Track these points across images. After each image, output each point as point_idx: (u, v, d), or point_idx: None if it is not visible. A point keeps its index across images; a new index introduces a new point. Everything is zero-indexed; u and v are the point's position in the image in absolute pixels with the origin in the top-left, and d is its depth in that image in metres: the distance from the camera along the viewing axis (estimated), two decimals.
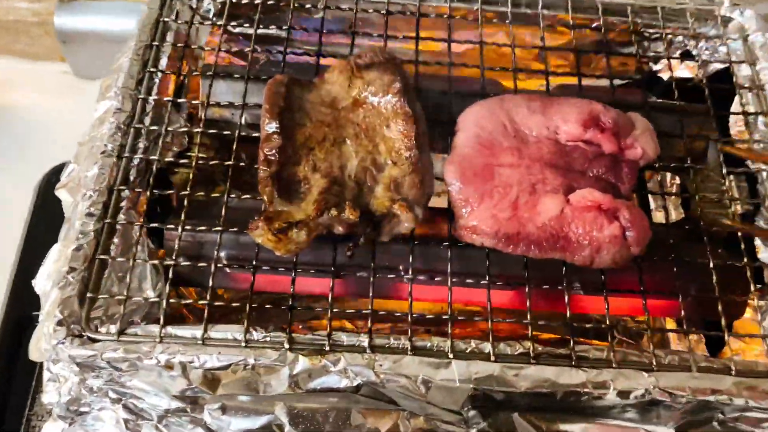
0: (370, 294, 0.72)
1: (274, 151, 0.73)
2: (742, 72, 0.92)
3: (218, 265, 0.73)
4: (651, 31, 0.96)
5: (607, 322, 0.72)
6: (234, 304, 0.71)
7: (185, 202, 0.75)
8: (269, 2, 0.90)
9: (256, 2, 0.90)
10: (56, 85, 1.29)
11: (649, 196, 1.05)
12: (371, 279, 0.73)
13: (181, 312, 0.85)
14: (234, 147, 0.79)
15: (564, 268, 0.74)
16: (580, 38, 0.98)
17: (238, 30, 0.95)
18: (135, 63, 0.83)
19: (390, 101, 0.76)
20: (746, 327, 0.81)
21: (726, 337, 0.73)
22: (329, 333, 0.69)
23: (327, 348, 0.68)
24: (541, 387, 0.67)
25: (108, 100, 0.80)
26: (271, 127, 0.74)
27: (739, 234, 0.79)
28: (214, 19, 0.93)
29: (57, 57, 1.30)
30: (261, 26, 0.90)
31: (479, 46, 0.89)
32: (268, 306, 0.72)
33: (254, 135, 0.77)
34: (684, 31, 0.96)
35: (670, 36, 0.96)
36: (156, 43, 0.86)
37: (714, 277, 0.75)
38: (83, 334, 0.68)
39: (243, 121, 0.83)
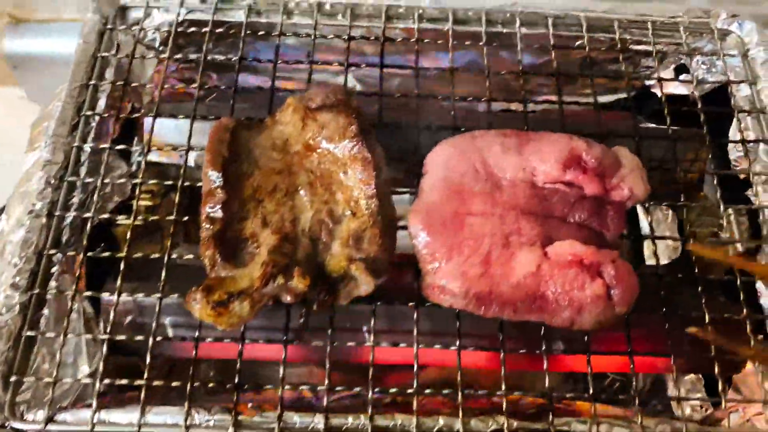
0: (327, 366, 0.65)
1: (217, 208, 0.66)
2: (741, 92, 0.83)
3: (157, 338, 0.65)
4: (641, 48, 0.87)
5: (590, 391, 0.65)
6: (174, 384, 0.64)
7: (121, 265, 0.68)
8: (219, 30, 0.82)
9: (203, 30, 0.81)
10: (11, 110, 1.21)
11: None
12: (328, 348, 0.65)
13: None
14: (177, 198, 0.72)
15: (543, 328, 0.67)
16: (563, 57, 0.90)
17: (192, 57, 0.87)
18: (68, 106, 0.75)
19: (347, 145, 0.68)
20: (747, 381, 0.74)
21: (723, 403, 0.65)
22: (280, 414, 0.62)
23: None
24: None
25: (37, 151, 0.73)
26: (213, 180, 0.67)
27: (738, 281, 0.71)
28: (161, 49, 0.85)
29: (11, 81, 1.21)
30: (212, 55, 0.82)
31: (449, 72, 0.80)
32: (211, 385, 0.65)
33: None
34: (677, 47, 0.87)
35: (661, 52, 0.87)
36: (93, 82, 0.78)
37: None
38: (6, 424, 0.61)
39: (193, 164, 0.76)
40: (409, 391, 0.64)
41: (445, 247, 0.66)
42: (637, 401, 0.65)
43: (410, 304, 0.68)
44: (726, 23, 0.87)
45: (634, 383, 0.66)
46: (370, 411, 0.63)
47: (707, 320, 0.68)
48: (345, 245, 0.66)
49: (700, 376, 0.86)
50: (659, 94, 0.83)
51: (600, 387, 0.97)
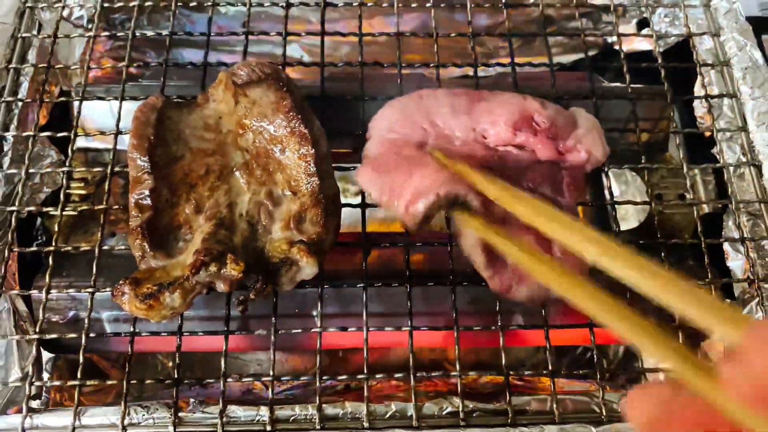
0: (272, 357, 0.61)
1: (145, 195, 0.61)
2: (704, 45, 0.79)
3: (90, 335, 0.62)
4: (599, 3, 0.82)
5: (550, 367, 0.62)
6: (110, 382, 0.61)
7: (50, 259, 0.64)
8: (148, 3, 0.77)
9: (132, 4, 0.76)
10: None
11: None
12: (272, 337, 0.62)
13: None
14: (107, 186, 0.67)
15: (498, 303, 0.64)
16: (520, 17, 0.85)
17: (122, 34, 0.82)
18: None
19: (281, 122, 0.64)
20: (716, 347, 0.71)
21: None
22: (222, 409, 0.59)
23: (219, 429, 0.58)
24: None
25: None
26: (140, 165, 0.62)
27: (702, 244, 0.68)
28: (89, 26, 0.80)
29: None
30: (144, 30, 0.77)
31: (396, 38, 0.76)
32: (149, 381, 0.61)
33: None
34: (638, 0, 0.83)
35: (622, 6, 0.83)
36: (13, 65, 0.73)
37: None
38: None
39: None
40: (360, 376, 0.61)
41: (402, 175, 0.61)
42: (599, 375, 0.62)
43: (359, 285, 0.64)
44: None
45: (595, 356, 0.63)
46: (318, 401, 0.60)
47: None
48: (286, 228, 0.62)
49: None
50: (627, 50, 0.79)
51: (572, 359, 0.94)
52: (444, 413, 0.60)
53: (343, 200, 0.66)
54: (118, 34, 0.77)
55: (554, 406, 0.60)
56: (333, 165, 0.67)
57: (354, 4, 0.78)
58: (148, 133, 0.63)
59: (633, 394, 0.35)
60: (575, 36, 0.78)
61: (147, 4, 0.77)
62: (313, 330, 0.63)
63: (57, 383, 0.61)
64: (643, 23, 0.88)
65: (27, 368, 0.62)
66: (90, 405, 0.61)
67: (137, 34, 0.75)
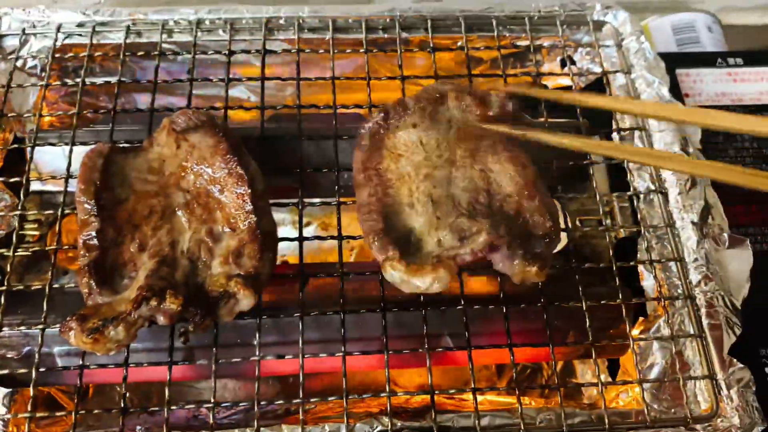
0: (213, 385, 0.66)
1: (91, 235, 0.66)
2: (618, 81, 0.86)
3: (41, 369, 0.65)
4: (522, 43, 0.89)
5: (473, 384, 0.67)
6: (59, 414, 0.65)
7: (2, 298, 0.68)
8: (98, 54, 0.82)
9: (81, 55, 0.81)
10: None
11: None
12: (213, 367, 0.66)
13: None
14: (58, 228, 0.72)
15: (425, 327, 0.68)
16: (451, 59, 0.91)
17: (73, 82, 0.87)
18: None
19: (220, 164, 0.69)
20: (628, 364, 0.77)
21: (599, 388, 0.68)
22: None
23: None
24: None
25: None
26: (86, 208, 0.67)
27: (614, 266, 0.73)
28: (42, 75, 0.84)
29: None
30: (94, 78, 0.82)
31: (331, 81, 0.81)
32: (96, 411, 0.65)
33: None
34: (557, 40, 0.90)
35: (543, 47, 0.90)
36: None
37: (587, 322, 0.70)
38: None
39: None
40: (296, 401, 0.65)
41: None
42: (517, 392, 0.67)
43: (296, 314, 0.69)
44: (601, 14, 0.89)
45: (514, 373, 0.68)
46: (256, 424, 0.64)
47: (584, 308, 0.70)
48: (225, 263, 0.67)
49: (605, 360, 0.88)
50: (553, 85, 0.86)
51: (512, 377, 0.99)
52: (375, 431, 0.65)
53: (285, 233, 0.71)
54: (70, 83, 0.81)
55: (476, 422, 0.65)
56: (274, 201, 0.72)
57: (292, 51, 0.83)
58: (95, 178, 0.68)
59: None
60: (499, 76, 0.84)
61: (97, 54, 0.82)
62: (252, 358, 0.67)
63: (9, 416, 0.65)
64: (565, 62, 0.95)
65: None
66: None
67: (88, 81, 0.80)
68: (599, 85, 0.89)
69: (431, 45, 0.84)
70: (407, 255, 0.64)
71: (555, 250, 0.90)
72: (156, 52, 0.82)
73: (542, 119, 0.82)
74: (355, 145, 0.73)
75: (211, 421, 0.64)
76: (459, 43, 0.87)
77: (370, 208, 0.68)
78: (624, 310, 0.71)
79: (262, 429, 0.64)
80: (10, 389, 0.76)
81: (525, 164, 0.70)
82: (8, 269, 0.70)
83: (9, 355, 0.73)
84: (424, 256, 0.64)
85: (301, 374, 0.66)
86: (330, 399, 0.66)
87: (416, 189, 0.68)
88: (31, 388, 0.64)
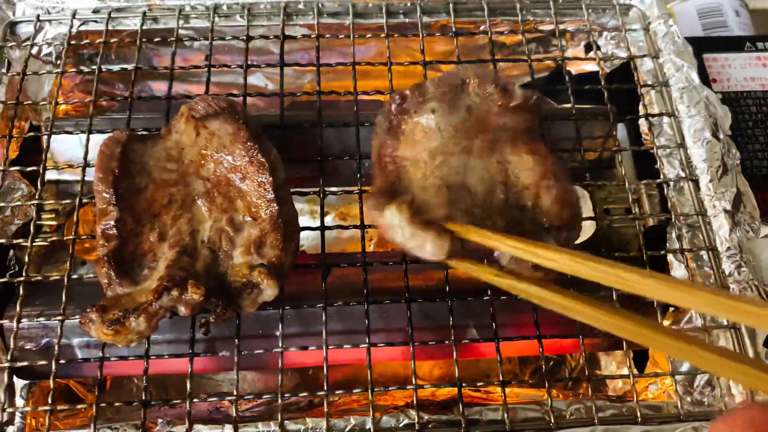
0: (236, 377, 0.64)
1: (110, 225, 0.64)
2: (645, 66, 0.84)
3: (60, 361, 0.64)
4: (546, 28, 0.87)
5: (501, 377, 0.65)
6: (80, 406, 0.63)
7: (20, 289, 0.67)
8: (114, 40, 0.80)
9: (97, 41, 0.79)
10: None
11: None
12: (235, 359, 0.65)
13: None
14: (76, 217, 0.70)
15: (452, 318, 0.67)
16: (470, 43, 0.89)
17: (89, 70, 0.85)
18: None
19: (240, 152, 0.67)
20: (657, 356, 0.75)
21: (631, 380, 0.66)
22: (188, 428, 0.62)
23: None
24: None
25: None
26: (105, 197, 0.65)
27: (645, 255, 0.71)
28: (57, 63, 0.83)
29: None
30: (111, 65, 0.81)
31: (352, 67, 0.79)
32: (118, 404, 0.64)
33: None
34: (582, 24, 0.87)
35: (568, 31, 0.87)
36: None
37: None
38: None
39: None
40: (320, 393, 0.64)
41: None
42: (547, 384, 0.65)
43: (319, 305, 0.68)
44: None
45: (543, 365, 0.67)
46: (280, 417, 0.63)
47: (614, 298, 0.69)
48: (246, 252, 0.65)
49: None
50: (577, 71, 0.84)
51: (534, 369, 0.98)
52: (401, 425, 0.63)
53: (303, 223, 0.69)
54: (86, 70, 0.80)
55: (505, 415, 0.64)
56: (293, 190, 0.71)
57: (312, 36, 0.81)
58: (113, 167, 0.66)
59: (719, 424, 0.33)
60: (524, 61, 0.82)
61: (113, 40, 0.80)
62: (275, 350, 0.66)
63: (29, 409, 0.64)
64: (591, 46, 0.93)
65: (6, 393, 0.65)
66: (64, 429, 0.63)
67: (104, 69, 0.78)
68: (625, 70, 0.87)
69: (453, 29, 0.82)
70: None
71: (579, 240, 0.89)
72: (172, 38, 0.80)
73: (568, 105, 0.79)
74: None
75: (234, 413, 0.63)
76: (482, 28, 0.85)
77: (379, 188, 0.65)
78: (655, 300, 0.69)
79: (286, 422, 0.63)
80: (28, 381, 0.75)
81: (545, 155, 0.67)
82: (26, 260, 0.69)
83: (27, 347, 0.72)
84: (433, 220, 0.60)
85: (325, 366, 0.65)
86: (355, 391, 0.65)
87: (431, 174, 0.66)
88: (51, 381, 0.63)
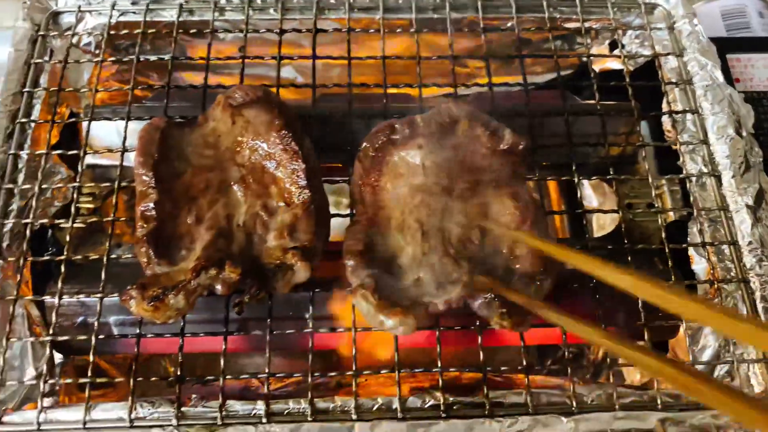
0: (267, 355, 0.67)
1: (150, 207, 0.67)
2: (669, 65, 0.85)
3: (99, 336, 0.67)
4: (572, 26, 0.88)
5: (524, 362, 0.67)
6: (118, 380, 0.66)
7: (62, 267, 0.69)
8: (151, 30, 0.83)
9: (136, 32, 0.82)
10: None
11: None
12: (267, 338, 0.67)
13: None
14: (115, 200, 0.73)
15: None
16: (498, 40, 0.91)
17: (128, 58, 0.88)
18: (1, 116, 0.76)
19: (275, 139, 0.70)
20: (683, 345, 0.76)
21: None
22: (222, 404, 0.64)
23: (219, 422, 0.63)
24: None
25: None
26: (145, 180, 0.68)
27: (666, 248, 0.73)
28: (96, 52, 0.86)
29: None
30: (147, 55, 0.83)
31: (381, 61, 0.81)
32: (154, 379, 0.66)
33: None
34: (607, 22, 0.89)
35: (593, 29, 0.89)
36: (27, 89, 0.79)
37: (640, 303, 0.69)
38: None
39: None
40: (348, 373, 0.66)
41: None
42: (569, 370, 0.67)
43: (348, 289, 0.70)
44: None
45: (565, 353, 0.69)
46: (309, 395, 0.65)
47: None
48: (280, 236, 0.67)
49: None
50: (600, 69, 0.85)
51: (554, 359, 0.99)
52: (426, 406, 0.65)
53: (333, 211, 0.72)
54: (124, 59, 0.82)
55: (528, 398, 0.65)
56: (323, 179, 0.73)
57: (342, 31, 0.84)
58: (153, 151, 0.69)
59: None
60: (549, 57, 0.83)
61: (150, 31, 0.83)
62: (305, 331, 0.68)
63: (69, 381, 0.66)
64: (615, 44, 0.94)
65: (41, 368, 0.67)
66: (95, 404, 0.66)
67: (141, 58, 0.81)
68: (649, 68, 0.89)
69: (481, 25, 0.84)
70: (383, 282, 0.62)
71: (601, 233, 0.90)
72: (208, 30, 0.83)
73: (593, 102, 0.81)
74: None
75: (266, 390, 0.65)
76: (509, 24, 0.86)
77: (357, 227, 0.67)
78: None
79: (315, 400, 0.65)
80: (61, 357, 0.78)
81: (526, 201, 0.67)
82: (66, 240, 0.71)
83: (64, 323, 0.75)
84: (399, 292, 0.62)
85: (353, 347, 0.67)
86: (382, 372, 0.67)
87: (409, 214, 0.67)
88: (90, 356, 0.66)
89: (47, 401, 0.66)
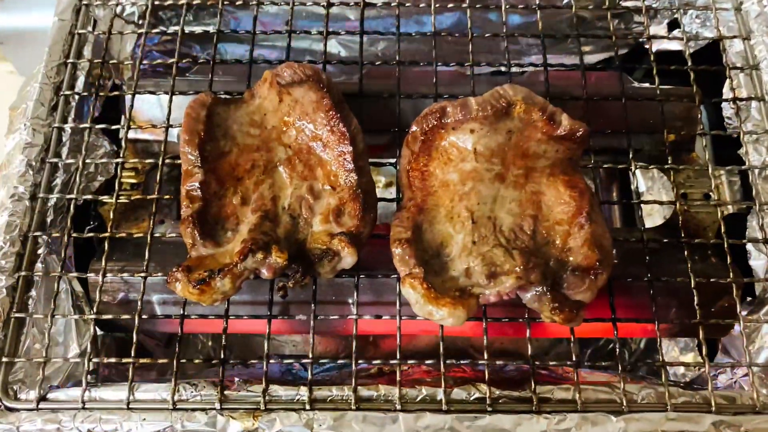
0: (311, 341, 0.66)
1: (195, 186, 0.66)
2: (734, 48, 0.81)
3: (143, 316, 0.66)
4: (630, 4, 0.84)
5: (574, 358, 0.65)
6: (161, 361, 0.66)
7: (105, 245, 0.69)
8: (196, 1, 0.81)
9: (181, 2, 0.80)
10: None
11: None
12: (311, 322, 0.66)
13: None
14: (158, 176, 0.72)
15: None
16: (552, 17, 0.87)
17: (172, 30, 0.86)
18: (46, 87, 0.75)
19: (322, 120, 0.68)
20: (735, 344, 0.74)
21: (706, 368, 0.65)
22: (265, 389, 0.63)
23: (262, 407, 0.63)
24: None
25: (17, 134, 0.73)
26: (191, 159, 0.66)
27: (726, 243, 0.70)
28: (140, 23, 0.84)
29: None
30: (191, 27, 0.81)
31: (432, 38, 0.78)
32: (197, 361, 0.66)
33: None
34: (668, 1, 0.84)
35: (653, 8, 0.85)
36: (71, 60, 0.77)
37: (696, 299, 0.67)
38: None
39: (177, 139, 0.75)
40: (393, 361, 0.65)
41: None
42: (620, 367, 0.65)
43: (393, 275, 0.68)
44: None
45: (617, 350, 0.67)
46: (353, 383, 0.64)
47: (693, 284, 0.67)
48: (326, 221, 0.66)
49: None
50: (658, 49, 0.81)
51: (594, 350, 0.98)
52: (472, 399, 0.64)
53: (378, 194, 0.70)
54: (168, 31, 0.80)
55: (577, 395, 0.64)
56: (369, 160, 0.71)
57: (393, 4, 0.80)
58: (199, 129, 0.67)
59: None
60: (605, 36, 0.79)
61: (195, 2, 0.80)
62: (349, 317, 0.67)
63: (113, 360, 0.66)
64: (674, 24, 0.90)
65: (85, 345, 0.67)
66: (141, 381, 0.65)
67: (186, 30, 0.79)
68: (710, 51, 0.84)
69: (537, 2, 0.80)
70: (431, 270, 0.61)
71: (653, 224, 0.87)
72: (253, 2, 0.80)
73: (652, 86, 0.77)
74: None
75: (310, 375, 0.64)
76: (565, 2, 0.83)
77: (405, 213, 0.65)
78: (734, 289, 0.68)
79: (359, 388, 0.64)
80: (102, 333, 0.78)
81: (582, 190, 0.64)
82: (110, 216, 0.71)
83: (105, 300, 0.75)
84: (448, 281, 0.61)
85: (398, 335, 0.65)
86: (427, 362, 0.65)
87: (459, 201, 0.64)
88: (134, 335, 0.65)
89: (90, 379, 0.66)
